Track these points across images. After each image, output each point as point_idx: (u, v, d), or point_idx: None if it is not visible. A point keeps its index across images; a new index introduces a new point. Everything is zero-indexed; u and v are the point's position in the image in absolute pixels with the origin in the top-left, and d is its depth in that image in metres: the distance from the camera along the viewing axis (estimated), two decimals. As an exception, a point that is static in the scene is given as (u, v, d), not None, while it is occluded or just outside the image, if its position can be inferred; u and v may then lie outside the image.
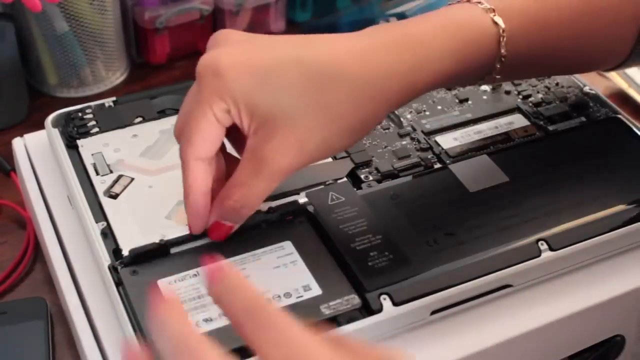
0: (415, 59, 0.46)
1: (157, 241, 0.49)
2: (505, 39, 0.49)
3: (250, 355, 0.39)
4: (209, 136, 0.46)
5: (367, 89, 0.45)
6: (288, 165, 0.45)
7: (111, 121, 0.58)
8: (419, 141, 0.58)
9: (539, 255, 0.50)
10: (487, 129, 0.59)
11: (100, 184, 0.53)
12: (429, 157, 0.56)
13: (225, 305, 0.34)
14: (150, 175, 0.54)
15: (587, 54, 0.54)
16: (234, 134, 0.48)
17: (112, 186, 0.53)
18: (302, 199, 0.52)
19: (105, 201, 0.52)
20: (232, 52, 0.45)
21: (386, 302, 0.46)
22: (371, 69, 0.45)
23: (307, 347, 0.32)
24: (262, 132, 0.44)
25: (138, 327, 0.45)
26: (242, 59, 0.45)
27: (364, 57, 0.45)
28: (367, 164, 0.55)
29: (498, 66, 0.50)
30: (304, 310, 0.45)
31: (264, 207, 0.51)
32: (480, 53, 0.49)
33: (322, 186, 0.53)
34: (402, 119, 0.59)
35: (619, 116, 0.60)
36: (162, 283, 0.47)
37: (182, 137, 0.47)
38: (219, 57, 0.45)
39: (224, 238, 0.48)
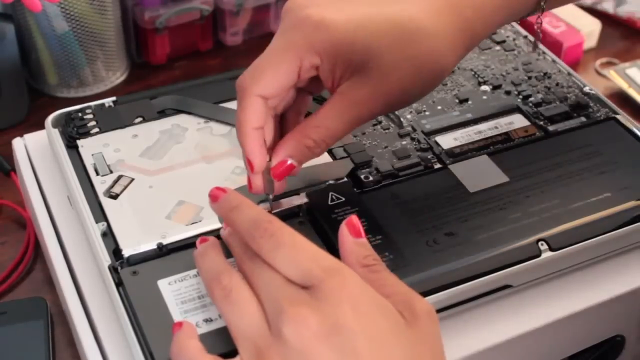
0: (474, 15, 0.48)
1: (156, 245, 0.49)
2: None
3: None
4: (284, 80, 0.46)
5: (444, 42, 0.47)
6: (373, 113, 0.47)
7: (111, 121, 0.58)
8: (419, 141, 0.58)
9: (539, 255, 0.50)
10: (487, 129, 0.59)
11: (100, 184, 0.53)
12: (429, 157, 0.56)
13: (232, 222, 0.43)
14: (150, 176, 0.54)
15: None
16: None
17: (112, 186, 0.53)
18: (302, 199, 0.52)
19: (105, 201, 0.52)
20: (329, 6, 0.46)
21: (386, 302, 0.46)
22: (446, 24, 0.47)
23: (315, 255, 0.40)
24: (355, 79, 0.46)
25: (138, 327, 0.45)
26: (342, 15, 0.46)
27: (435, 14, 0.47)
28: (367, 164, 0.55)
29: None
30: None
31: (264, 208, 0.51)
32: None
33: (322, 186, 0.53)
34: (402, 119, 0.59)
35: (619, 116, 0.60)
36: (162, 283, 0.47)
37: (250, 72, 0.46)
38: (321, 11, 0.45)
39: (283, 177, 0.48)
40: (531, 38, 0.68)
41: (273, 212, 0.50)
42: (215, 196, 0.45)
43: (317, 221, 0.51)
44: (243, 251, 0.43)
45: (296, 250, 0.40)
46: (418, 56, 0.46)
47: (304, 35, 0.45)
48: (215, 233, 0.50)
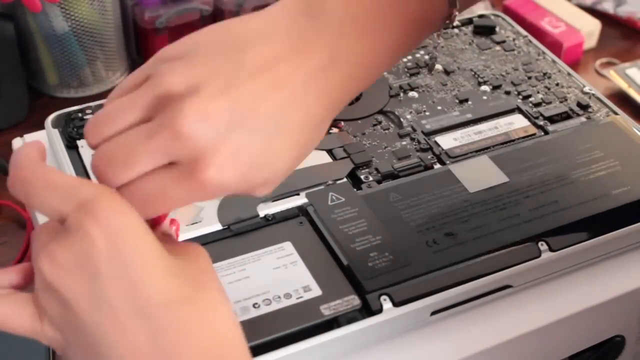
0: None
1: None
2: None
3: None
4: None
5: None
6: None
7: (111, 121, 0.58)
8: (419, 141, 0.58)
9: (539, 256, 0.50)
10: (487, 129, 0.59)
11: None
12: (429, 157, 0.56)
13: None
14: (150, 176, 0.54)
15: None
16: None
17: (112, 186, 0.53)
18: (302, 199, 0.52)
19: (105, 201, 0.52)
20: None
21: (386, 303, 0.46)
22: None
23: (68, 190, 0.38)
24: None
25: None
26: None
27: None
28: (367, 164, 0.55)
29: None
30: (304, 311, 0.46)
31: (264, 209, 0.51)
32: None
33: (322, 186, 0.53)
34: (402, 119, 0.59)
35: (619, 116, 0.60)
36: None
37: (125, 173, 0.38)
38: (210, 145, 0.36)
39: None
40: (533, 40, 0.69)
41: None
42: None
43: (317, 221, 0.51)
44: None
45: (47, 190, 0.38)
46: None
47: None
48: (216, 235, 0.50)
